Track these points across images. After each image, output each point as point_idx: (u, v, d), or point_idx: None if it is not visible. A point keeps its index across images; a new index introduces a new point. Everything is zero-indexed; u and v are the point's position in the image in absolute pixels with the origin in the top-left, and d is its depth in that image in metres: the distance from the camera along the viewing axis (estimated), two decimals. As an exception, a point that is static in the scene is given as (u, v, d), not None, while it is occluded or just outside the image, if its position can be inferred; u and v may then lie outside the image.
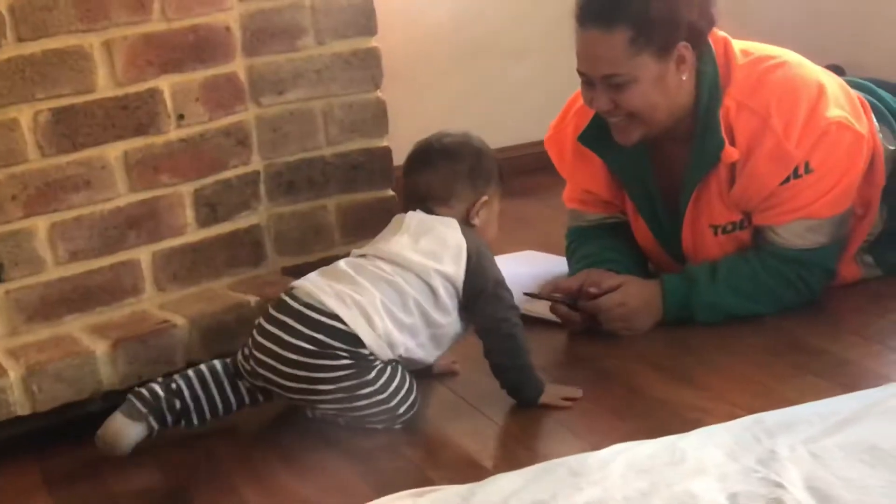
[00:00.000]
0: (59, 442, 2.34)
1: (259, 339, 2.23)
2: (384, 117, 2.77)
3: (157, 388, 2.23)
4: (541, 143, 3.87)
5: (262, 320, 2.25)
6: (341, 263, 2.31)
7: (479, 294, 2.28)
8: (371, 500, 1.95)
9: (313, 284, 2.24)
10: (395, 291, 2.24)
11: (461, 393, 2.38)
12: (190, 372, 2.28)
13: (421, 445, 2.22)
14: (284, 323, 2.20)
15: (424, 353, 2.31)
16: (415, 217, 2.35)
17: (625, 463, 1.97)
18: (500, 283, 2.31)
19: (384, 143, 2.78)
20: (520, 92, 3.93)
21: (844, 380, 2.23)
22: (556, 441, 2.18)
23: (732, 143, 2.47)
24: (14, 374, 2.27)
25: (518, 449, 2.16)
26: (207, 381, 2.27)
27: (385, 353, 2.22)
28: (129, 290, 2.49)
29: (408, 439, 2.24)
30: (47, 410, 2.31)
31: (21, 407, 2.28)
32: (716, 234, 2.58)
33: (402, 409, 2.25)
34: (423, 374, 2.38)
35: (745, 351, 2.45)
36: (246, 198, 2.63)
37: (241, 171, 2.62)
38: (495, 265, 2.33)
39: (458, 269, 2.27)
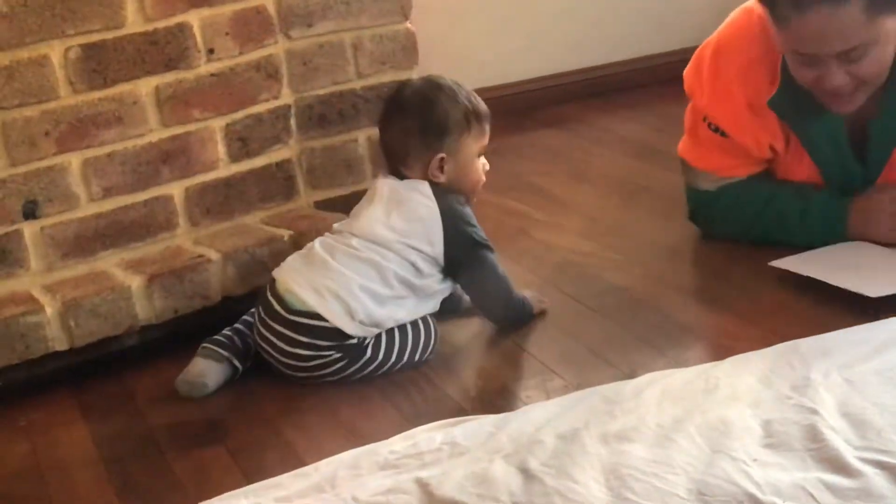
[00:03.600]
0: (96, 376, 2.36)
1: (259, 342, 2.26)
2: (414, 49, 2.76)
3: (228, 332, 2.30)
4: (570, 73, 3.90)
5: (257, 323, 2.26)
6: (317, 245, 2.28)
7: (459, 260, 2.29)
8: (406, 429, 1.97)
9: (292, 278, 2.22)
10: (372, 268, 2.22)
11: (491, 325, 2.38)
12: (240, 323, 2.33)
13: (454, 377, 2.24)
14: (275, 331, 2.21)
15: (424, 312, 2.30)
16: (386, 184, 2.32)
17: (659, 391, 1.98)
18: (478, 244, 2.31)
19: (415, 74, 2.76)
20: (553, 22, 3.90)
21: (880, 306, 2.21)
22: (590, 370, 2.17)
23: None
24: (51, 309, 2.29)
25: (552, 378, 2.17)
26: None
27: (372, 332, 2.22)
28: (163, 226, 2.50)
29: (441, 371, 2.25)
30: (84, 345, 2.33)
31: (59, 342, 2.31)
32: None
33: (417, 357, 2.27)
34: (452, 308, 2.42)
35: (783, 278, 2.44)
36: (277, 132, 2.63)
37: (271, 105, 2.62)
38: (474, 224, 2.32)
39: (433, 245, 2.26)
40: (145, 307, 2.37)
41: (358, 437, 2.00)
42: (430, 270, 2.27)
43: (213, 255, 2.45)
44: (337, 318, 2.18)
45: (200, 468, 2.02)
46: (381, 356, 2.23)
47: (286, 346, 2.21)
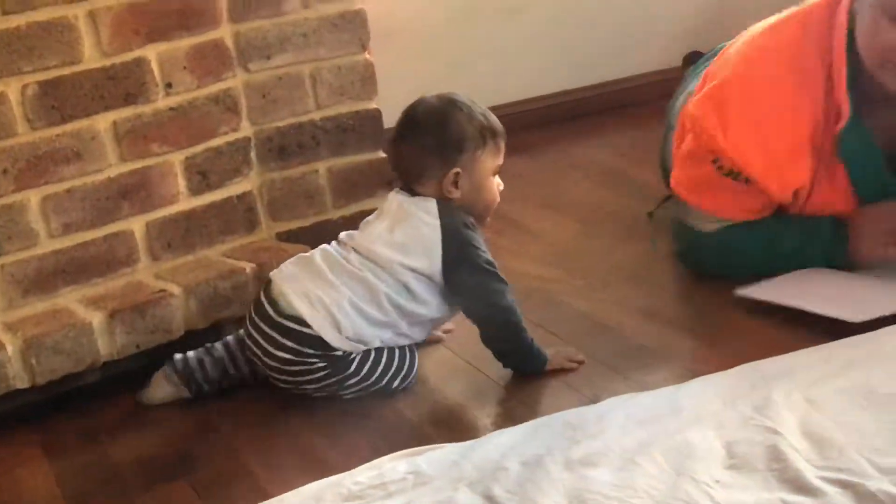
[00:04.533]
0: (58, 413, 2.35)
1: (247, 341, 2.27)
2: (373, 79, 2.76)
3: (191, 358, 2.33)
4: (538, 99, 3.91)
5: (247, 323, 2.27)
6: (317, 255, 2.28)
7: (461, 283, 2.24)
8: (370, 459, 1.96)
9: (285, 282, 2.23)
10: (365, 288, 2.21)
11: (459, 352, 2.38)
12: (218, 344, 2.35)
13: (420, 405, 2.23)
14: (263, 332, 2.22)
15: (409, 339, 2.29)
16: (395, 199, 2.30)
17: (623, 415, 1.98)
18: (481, 268, 2.25)
19: (373, 105, 2.77)
20: (518, 49, 3.91)
21: (840, 326, 2.22)
22: (554, 396, 2.18)
23: None
24: (12, 347, 2.27)
25: (516, 406, 2.17)
26: (234, 351, 2.34)
27: (356, 348, 2.21)
28: (124, 261, 2.49)
29: (406, 399, 2.25)
30: (46, 383, 2.31)
31: (20, 380, 2.29)
32: None
33: (395, 384, 2.26)
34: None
35: (744, 301, 2.44)
36: (237, 164, 2.63)
37: (231, 137, 2.61)
38: (479, 247, 2.26)
39: (431, 263, 2.22)
40: (107, 343, 2.36)
41: (323, 468, 1.99)
42: (423, 294, 2.24)
43: (175, 289, 2.44)
44: (323, 329, 2.18)
45: (164, 503, 2.00)
46: (363, 373, 2.22)
47: (272, 349, 2.21)
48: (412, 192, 2.29)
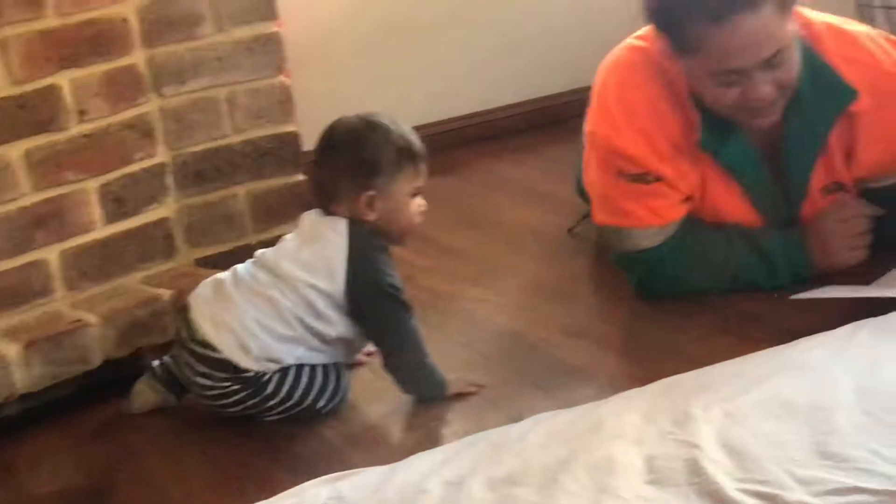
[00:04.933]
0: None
1: (174, 365, 2.28)
2: (290, 102, 2.75)
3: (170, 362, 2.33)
4: (456, 119, 3.92)
5: (176, 345, 2.27)
6: (228, 276, 2.26)
7: (363, 307, 2.22)
8: (292, 485, 1.94)
9: (197, 306, 2.23)
10: (271, 305, 2.18)
11: (381, 373, 2.36)
12: None
13: (342, 428, 2.21)
14: (183, 357, 2.24)
15: (327, 356, 2.26)
16: (308, 218, 2.29)
17: (544, 432, 1.98)
18: (384, 292, 2.22)
19: (291, 128, 2.76)
20: (434, 68, 3.92)
21: (758, 337, 2.24)
22: (479, 416, 2.17)
23: None
24: (-75, 382, 2.23)
25: (439, 426, 2.16)
26: None
27: (270, 367, 2.19)
28: (40, 291, 2.45)
29: (328, 422, 2.23)
30: (-39, 416, 2.28)
31: (-65, 414, 2.25)
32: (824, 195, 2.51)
33: (321, 404, 2.23)
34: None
35: (662, 316, 2.46)
36: (154, 190, 2.60)
37: (147, 163, 2.59)
38: (384, 271, 2.24)
39: (333, 284, 2.20)
40: (24, 375, 2.32)
41: (245, 496, 1.96)
42: (329, 313, 2.21)
43: (92, 318, 2.41)
44: (229, 350, 2.16)
45: (84, 537, 1.98)
46: (282, 394, 2.20)
47: (190, 374, 2.22)
48: (327, 213, 2.27)
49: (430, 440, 2.10)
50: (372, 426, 2.23)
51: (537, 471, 1.85)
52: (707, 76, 2.31)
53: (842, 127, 2.43)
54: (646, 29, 2.47)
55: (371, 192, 2.23)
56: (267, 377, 2.19)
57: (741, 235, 2.48)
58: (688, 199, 2.49)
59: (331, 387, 2.24)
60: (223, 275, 2.28)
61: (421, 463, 1.96)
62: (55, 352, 2.34)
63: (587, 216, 2.83)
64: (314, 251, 2.23)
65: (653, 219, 2.48)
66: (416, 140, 2.30)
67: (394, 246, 2.32)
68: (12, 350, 2.31)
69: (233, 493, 2.02)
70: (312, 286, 2.20)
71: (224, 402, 2.21)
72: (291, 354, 2.20)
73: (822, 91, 2.38)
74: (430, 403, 2.24)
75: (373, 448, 2.13)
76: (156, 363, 2.34)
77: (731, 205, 2.50)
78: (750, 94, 2.29)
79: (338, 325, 2.23)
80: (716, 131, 2.41)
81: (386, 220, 2.26)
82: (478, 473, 1.88)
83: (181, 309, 2.26)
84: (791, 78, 2.32)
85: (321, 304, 2.20)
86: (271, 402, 2.20)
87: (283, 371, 2.20)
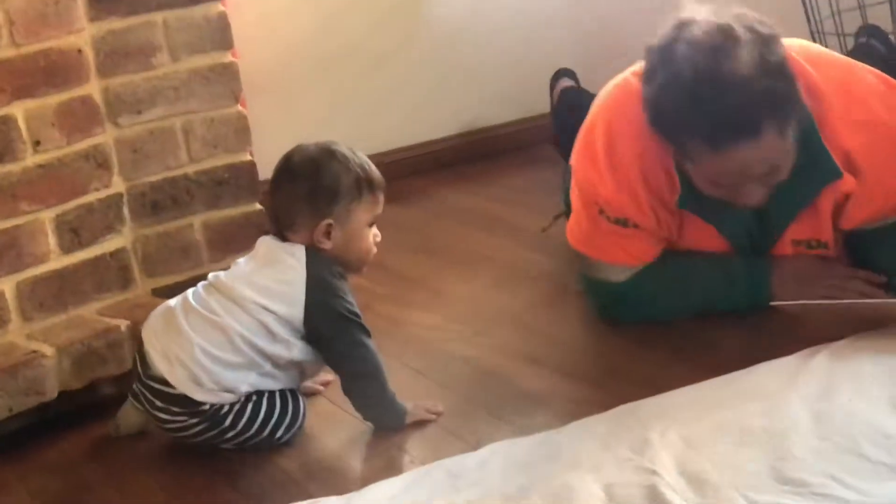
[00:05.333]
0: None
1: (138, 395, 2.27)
2: (246, 131, 2.75)
3: None
4: (409, 147, 3.93)
5: (134, 378, 2.26)
6: (178, 304, 2.25)
7: (322, 332, 2.22)
8: (249, 517, 1.94)
9: (148, 341, 2.22)
10: (220, 333, 2.17)
11: (338, 402, 2.36)
12: None
13: (298, 457, 2.21)
14: (141, 391, 2.23)
15: (281, 381, 2.25)
16: (264, 243, 2.28)
17: (503, 461, 1.99)
18: (343, 317, 2.21)
19: (248, 157, 2.75)
20: (389, 97, 3.92)
21: (714, 363, 2.26)
22: (435, 444, 2.17)
23: (849, 169, 2.37)
24: None
25: (398, 455, 2.16)
26: None
27: (226, 398, 2.18)
28: (-6, 323, 2.44)
29: (284, 451, 2.22)
30: (-85, 450, 2.26)
31: None
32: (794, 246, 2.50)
33: (279, 433, 2.22)
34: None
35: (619, 342, 2.47)
36: (109, 221, 2.59)
37: (102, 193, 2.58)
38: (343, 297, 2.23)
39: (292, 309, 2.19)
40: (-22, 408, 2.31)
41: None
42: (285, 335, 2.20)
43: (48, 349, 2.39)
44: (182, 384, 2.15)
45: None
46: (240, 426, 2.19)
47: (149, 408, 2.21)
48: (283, 239, 2.26)
49: (387, 469, 2.10)
50: (329, 455, 2.22)
51: (496, 499, 1.86)
52: (697, 174, 2.32)
53: (833, 190, 2.40)
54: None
55: (329, 221, 2.23)
56: (224, 410, 2.18)
57: (707, 258, 2.50)
58: (662, 240, 2.51)
59: (288, 417, 2.23)
60: (174, 302, 2.26)
61: (378, 492, 1.96)
62: (10, 383, 2.32)
63: (560, 216, 2.86)
64: (271, 276, 2.22)
65: (627, 259, 2.51)
66: (374, 169, 2.30)
67: (350, 274, 2.31)
68: (-33, 382, 2.29)
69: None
70: (268, 310, 2.19)
71: (185, 434, 2.20)
72: (244, 382, 2.19)
73: (811, 162, 2.35)
74: (388, 432, 2.24)
75: (330, 477, 2.12)
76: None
77: (707, 242, 2.50)
78: (739, 199, 2.32)
79: (293, 349, 2.22)
80: (696, 193, 2.38)
81: (342, 248, 2.26)
82: (435, 502, 1.88)
83: (138, 345, 2.25)
84: (784, 177, 2.31)
85: (277, 328, 2.19)
86: (230, 434, 2.19)
87: (241, 404, 2.19)
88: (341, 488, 2.02)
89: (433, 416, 2.26)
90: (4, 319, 2.44)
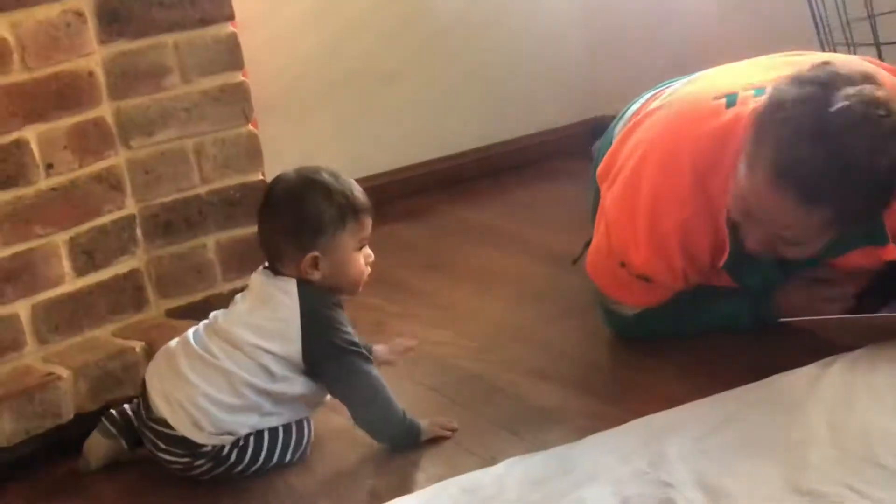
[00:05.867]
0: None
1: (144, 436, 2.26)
2: (258, 151, 2.76)
3: (127, 408, 2.30)
4: (419, 165, 3.94)
5: (139, 421, 2.26)
6: (180, 347, 2.24)
7: (324, 366, 2.21)
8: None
9: (151, 384, 2.22)
10: (221, 377, 2.17)
11: (350, 420, 2.37)
12: None
13: (312, 476, 2.21)
14: (144, 433, 2.24)
15: (284, 417, 2.24)
16: (257, 280, 2.27)
17: (518, 476, 1.99)
18: (342, 349, 2.20)
19: (259, 176, 2.76)
20: (397, 115, 3.94)
21: (729, 375, 2.26)
22: (450, 461, 2.17)
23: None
24: None
25: (412, 471, 2.16)
26: None
27: (227, 440, 2.18)
28: (10, 346, 2.43)
29: (297, 470, 2.23)
30: (-66, 473, 2.27)
31: None
32: None
33: (288, 457, 2.23)
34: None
35: (631, 356, 2.47)
36: (123, 242, 2.60)
37: (115, 215, 2.59)
38: (339, 328, 2.21)
39: (289, 346, 2.19)
40: (-5, 431, 2.32)
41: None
42: (284, 373, 2.20)
43: (64, 372, 2.40)
44: (184, 428, 2.15)
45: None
46: (246, 460, 2.19)
47: (154, 450, 2.21)
48: (275, 271, 2.25)
49: (401, 486, 2.10)
50: (342, 472, 2.22)
51: (512, 515, 1.86)
52: (740, 208, 2.27)
53: (871, 252, 2.36)
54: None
55: (314, 253, 2.21)
56: (226, 450, 2.18)
57: (713, 296, 2.49)
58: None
59: (293, 441, 2.24)
60: (174, 344, 2.26)
61: (395, 509, 1.97)
62: (27, 406, 2.33)
63: (589, 242, 2.87)
64: (265, 315, 2.21)
65: (644, 301, 2.50)
66: (358, 193, 2.26)
67: (346, 297, 2.31)
68: (-17, 406, 2.30)
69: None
70: (266, 351, 2.18)
71: (193, 473, 2.20)
72: (245, 425, 2.19)
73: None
74: (403, 450, 2.24)
75: (343, 495, 2.12)
76: (112, 410, 2.31)
77: (718, 280, 2.48)
78: (749, 238, 2.28)
79: (296, 385, 2.22)
80: (741, 257, 2.36)
81: (333, 277, 2.24)
82: (452, 519, 1.89)
83: (141, 387, 2.26)
84: (807, 256, 2.30)
85: (277, 368, 2.19)
86: (238, 469, 2.20)
87: (243, 439, 2.19)
88: (358, 507, 2.02)
89: (448, 433, 2.26)
90: (20, 342, 2.45)
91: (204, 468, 2.19)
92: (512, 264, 3.18)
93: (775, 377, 2.20)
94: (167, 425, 2.17)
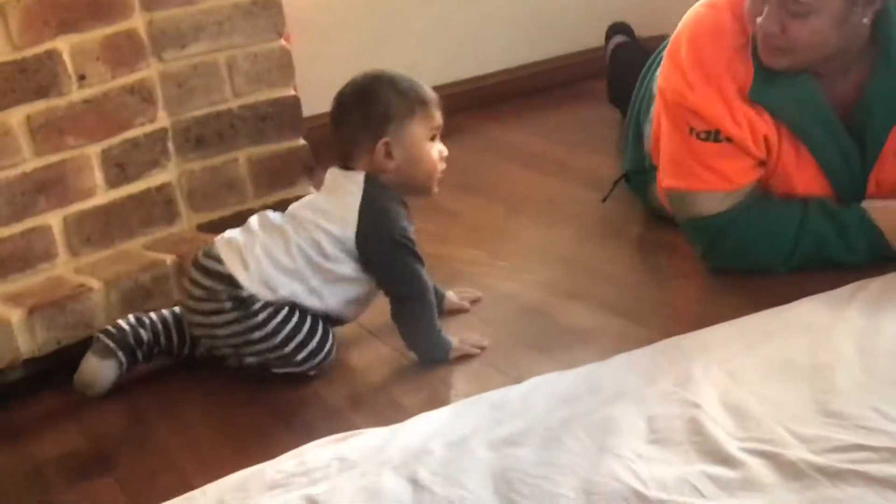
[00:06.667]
0: (-21, 412, 2.32)
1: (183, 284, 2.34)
2: (290, 66, 2.75)
3: (122, 323, 2.33)
4: (453, 84, 3.91)
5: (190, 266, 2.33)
6: (255, 217, 2.33)
7: (375, 254, 2.25)
8: (293, 447, 1.95)
9: (220, 236, 2.29)
10: (279, 236, 2.24)
11: (383, 337, 2.38)
12: (153, 313, 2.37)
13: (342, 390, 2.23)
14: (191, 275, 2.29)
15: (324, 302, 2.27)
16: (330, 174, 2.33)
17: (546, 394, 1.99)
18: (395, 241, 2.25)
19: (291, 92, 2.76)
20: (432, 34, 3.91)
21: (756, 299, 2.25)
22: (479, 378, 2.18)
23: None
24: (-71, 347, 2.24)
25: (442, 388, 2.17)
26: (169, 321, 2.37)
27: (264, 294, 2.22)
28: (42, 256, 2.46)
29: (329, 385, 2.25)
30: (-35, 382, 2.29)
31: (-61, 379, 2.26)
32: None
33: (300, 356, 2.25)
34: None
35: (663, 277, 2.47)
36: (155, 155, 2.61)
37: (147, 128, 2.59)
38: (396, 221, 2.26)
39: (344, 230, 2.24)
40: (27, 340, 2.33)
41: (249, 458, 1.97)
42: (336, 254, 2.24)
43: (95, 283, 2.41)
44: (233, 265, 2.22)
45: (89, 501, 1.98)
46: (267, 329, 2.22)
47: (192, 288, 2.27)
48: (348, 169, 2.30)
49: (431, 402, 2.11)
50: (374, 389, 2.23)
51: (538, 431, 1.86)
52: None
53: None
54: None
55: (385, 139, 2.26)
56: (259, 305, 2.22)
57: (816, 206, 2.39)
58: (760, 163, 2.42)
59: (313, 343, 2.26)
60: (254, 217, 2.33)
61: (423, 424, 1.97)
62: (58, 317, 2.35)
63: (619, 181, 2.85)
64: (331, 200, 2.28)
65: (722, 183, 2.41)
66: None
67: (422, 198, 2.37)
68: (16, 315, 2.31)
69: (237, 456, 2.02)
70: (325, 230, 2.24)
71: (214, 319, 2.24)
72: (287, 287, 2.24)
73: None
74: (432, 366, 2.25)
75: (375, 410, 2.14)
76: (108, 326, 2.34)
77: (802, 171, 2.41)
78: (757, 20, 2.26)
79: (345, 266, 2.26)
80: (769, 84, 2.34)
81: (407, 166, 2.29)
82: (479, 434, 1.89)
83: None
84: (804, 42, 2.25)
85: (330, 247, 2.24)
86: (255, 335, 2.23)
87: (275, 308, 2.23)
88: (386, 420, 2.03)
89: (477, 351, 2.27)
90: (52, 253, 2.47)
91: (228, 316, 2.22)
92: (543, 185, 3.18)
93: (806, 300, 2.19)
94: (218, 260, 2.23)
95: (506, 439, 1.85)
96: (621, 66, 3.55)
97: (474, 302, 2.50)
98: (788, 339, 2.02)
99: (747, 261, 2.42)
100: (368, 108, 2.28)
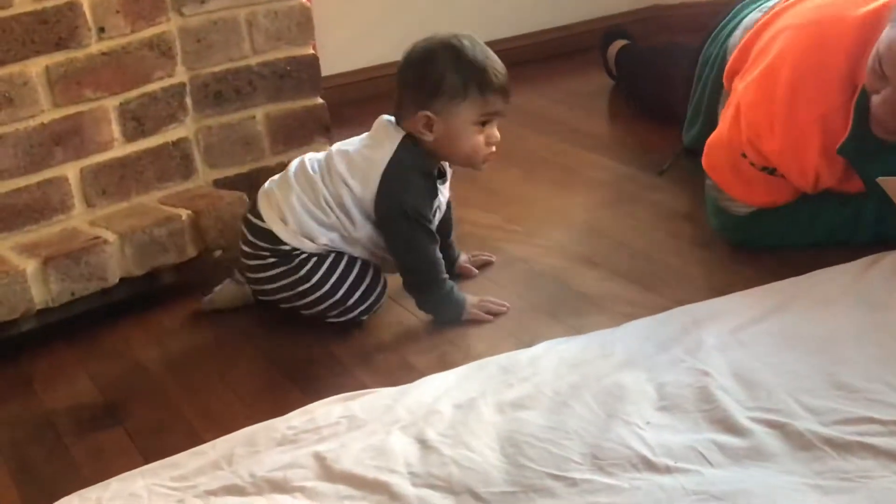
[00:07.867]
0: (-9, 361, 2.34)
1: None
2: (310, 24, 2.73)
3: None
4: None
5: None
6: (296, 163, 2.32)
7: (385, 217, 2.23)
8: (304, 404, 1.96)
9: (263, 188, 2.33)
10: (311, 190, 2.25)
11: (395, 296, 2.38)
12: None
13: (353, 349, 2.23)
14: (241, 229, 2.33)
15: (362, 248, 2.29)
16: (379, 122, 2.30)
17: (556, 358, 1.99)
18: (405, 213, 2.21)
19: (310, 50, 2.75)
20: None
21: (771, 269, 2.25)
22: (489, 341, 2.18)
23: None
24: (-56, 295, 2.25)
25: (451, 350, 2.17)
26: None
27: (306, 246, 2.24)
28: (58, 208, 2.46)
29: (340, 344, 2.25)
30: (-21, 330, 2.30)
31: (-48, 328, 2.27)
32: None
33: (352, 301, 2.26)
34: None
35: (677, 245, 2.46)
36: (172, 110, 2.60)
37: (166, 83, 2.58)
38: (412, 193, 2.23)
39: (365, 189, 2.23)
40: (41, 291, 2.34)
41: (258, 414, 1.98)
42: (355, 213, 2.24)
43: (110, 236, 2.42)
44: (272, 220, 2.25)
45: (98, 451, 2.00)
46: (314, 280, 2.24)
47: (242, 245, 2.32)
48: (398, 121, 2.28)
49: (441, 363, 2.11)
50: (385, 349, 2.24)
51: (547, 395, 1.87)
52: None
53: None
54: None
55: (426, 113, 2.21)
56: (303, 257, 2.24)
57: (832, 196, 2.38)
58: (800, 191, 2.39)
59: (365, 284, 2.27)
60: (295, 161, 2.33)
61: (432, 384, 1.98)
62: (73, 268, 2.35)
63: (679, 154, 2.84)
64: (363, 154, 2.26)
65: (763, 199, 2.40)
66: (495, 70, 2.24)
67: (464, 167, 2.34)
68: (31, 266, 2.32)
69: (247, 411, 2.04)
70: (348, 186, 2.24)
71: (262, 275, 2.29)
72: (325, 236, 2.26)
73: None
74: (444, 327, 2.26)
75: (385, 370, 2.14)
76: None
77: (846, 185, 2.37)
78: (878, 109, 2.19)
79: (360, 228, 2.26)
80: (862, 142, 2.26)
81: (445, 144, 2.25)
82: (488, 396, 1.90)
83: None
84: None
85: (350, 204, 2.24)
86: (304, 287, 2.25)
87: (320, 257, 2.25)
88: (396, 380, 2.04)
89: (491, 318, 2.27)
90: (68, 205, 2.47)
91: (275, 272, 2.26)
92: (561, 151, 3.17)
93: (818, 272, 2.19)
94: (260, 217, 2.26)
95: (514, 402, 1.86)
96: (633, 65, 3.52)
97: (483, 266, 2.50)
98: (801, 311, 2.02)
99: (761, 245, 2.42)
100: (423, 74, 2.21)
